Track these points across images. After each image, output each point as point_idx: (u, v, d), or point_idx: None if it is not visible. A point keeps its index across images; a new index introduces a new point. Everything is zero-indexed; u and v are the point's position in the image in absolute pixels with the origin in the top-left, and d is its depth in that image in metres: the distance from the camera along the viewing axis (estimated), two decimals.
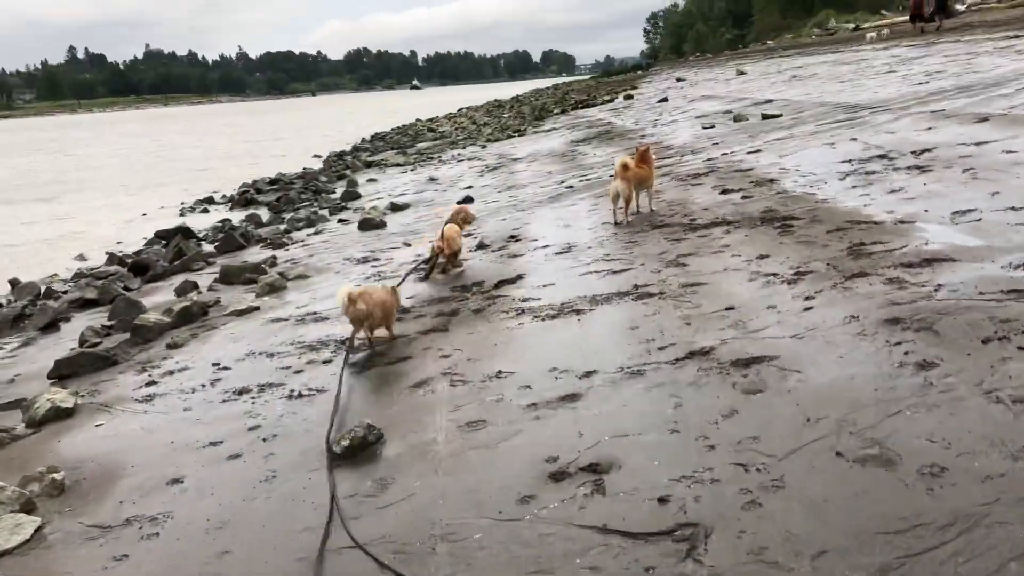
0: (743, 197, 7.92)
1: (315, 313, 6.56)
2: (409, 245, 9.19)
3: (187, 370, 5.59)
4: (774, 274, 5.25)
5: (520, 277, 6.57)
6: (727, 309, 4.75)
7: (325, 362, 5.22)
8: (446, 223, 7.42)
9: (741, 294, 4.99)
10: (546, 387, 4.11)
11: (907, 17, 42.18)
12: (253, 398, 4.76)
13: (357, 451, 3.75)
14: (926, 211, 6.15)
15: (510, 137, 23.18)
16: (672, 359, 4.16)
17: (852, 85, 17.69)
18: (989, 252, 4.89)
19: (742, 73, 30.72)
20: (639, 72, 79.89)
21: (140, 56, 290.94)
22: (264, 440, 4.10)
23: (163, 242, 11.69)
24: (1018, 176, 6.63)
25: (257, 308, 7.12)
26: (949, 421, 3.05)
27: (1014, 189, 6.23)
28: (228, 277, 8.60)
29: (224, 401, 4.80)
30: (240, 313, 7.02)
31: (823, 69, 24.71)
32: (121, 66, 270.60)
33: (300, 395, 4.67)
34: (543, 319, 5.29)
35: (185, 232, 11.88)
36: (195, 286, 8.59)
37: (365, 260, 8.63)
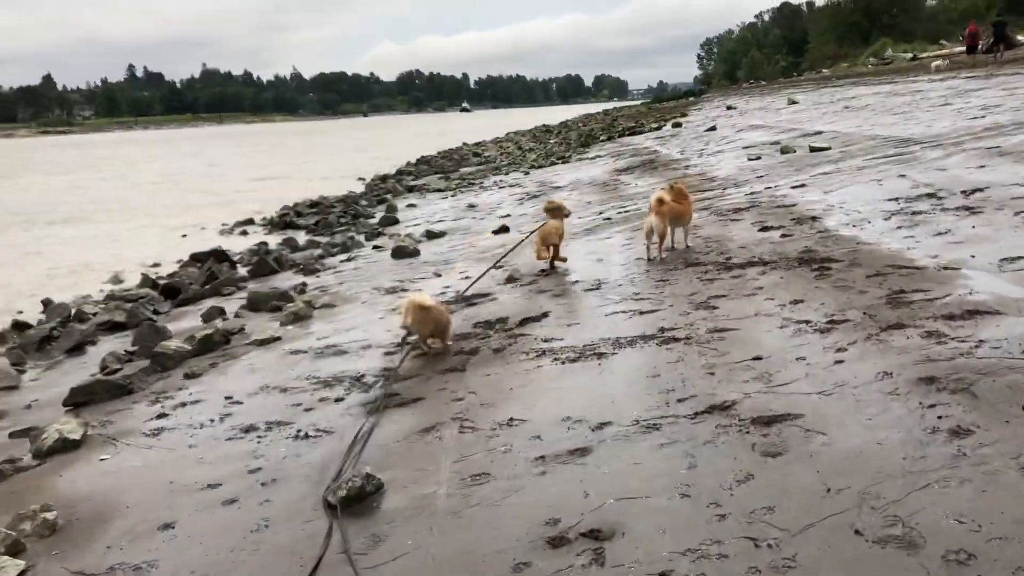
0: (782, 235, 7.66)
1: (335, 346, 6.44)
2: (439, 275, 9.07)
3: (199, 403, 5.50)
4: (807, 321, 5.00)
5: (545, 315, 6.38)
6: (754, 359, 4.51)
7: (337, 400, 5.08)
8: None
9: (770, 343, 4.75)
10: (557, 438, 3.92)
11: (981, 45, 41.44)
12: (259, 437, 4.63)
13: (354, 502, 3.58)
14: (973, 256, 5.85)
15: (554, 164, 23.07)
16: (691, 413, 3.94)
17: (905, 118, 17.27)
18: None
19: (794, 102, 30.28)
20: (690, 99, 79.50)
21: (197, 75, 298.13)
22: (263, 484, 3.96)
23: (198, 264, 11.74)
24: None
25: (279, 338, 7.03)
26: (981, 499, 2.79)
27: None
28: (255, 304, 8.56)
29: (230, 439, 4.68)
30: (261, 343, 6.94)
31: (876, 100, 24.22)
32: (178, 84, 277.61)
33: (307, 436, 4.54)
34: (563, 362, 5.09)
35: (219, 255, 11.92)
36: (222, 312, 8.56)
37: (393, 290, 8.52)
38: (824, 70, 77.09)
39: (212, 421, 5.05)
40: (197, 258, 12.18)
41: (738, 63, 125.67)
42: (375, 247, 12.34)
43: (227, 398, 5.47)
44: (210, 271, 10.68)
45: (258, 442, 4.56)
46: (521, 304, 6.89)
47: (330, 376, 5.61)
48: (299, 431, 4.62)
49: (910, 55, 62.17)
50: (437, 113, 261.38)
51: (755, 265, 6.73)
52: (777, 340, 4.77)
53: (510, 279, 8.00)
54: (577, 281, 7.42)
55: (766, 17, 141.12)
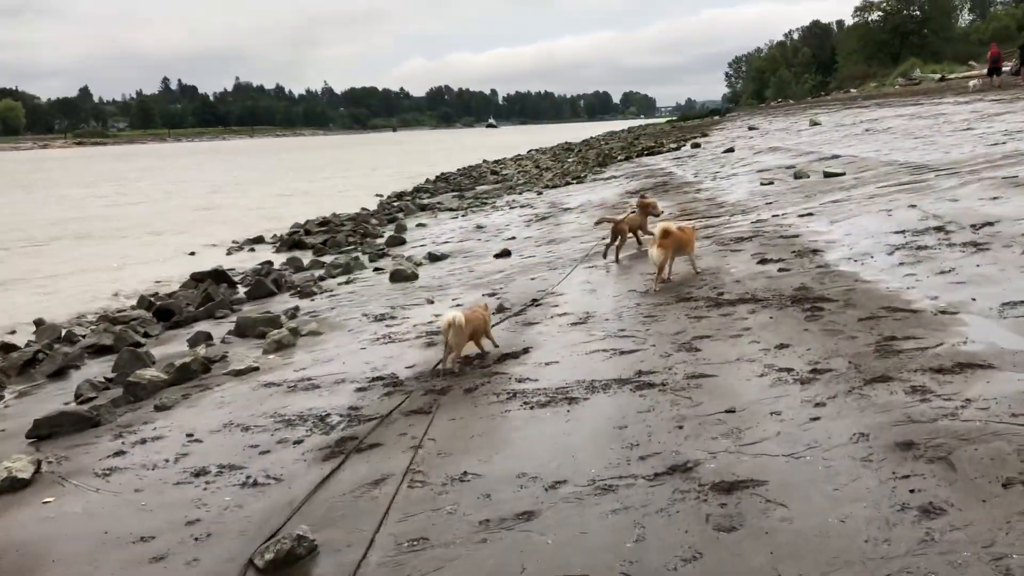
0: (780, 270, 7.37)
1: (310, 380, 6.24)
2: (432, 303, 8.86)
3: (160, 439, 5.31)
4: (788, 369, 4.72)
5: (526, 351, 6.15)
6: (727, 411, 4.25)
7: (296, 443, 4.87)
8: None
9: (746, 393, 4.48)
10: (507, 498, 3.68)
11: (1010, 67, 40.79)
12: (208, 482, 4.43)
13: (281, 566, 3.37)
14: (973, 299, 5.54)
15: (568, 184, 22.85)
16: (651, 474, 3.68)
17: (924, 142, 16.87)
18: None
19: (816, 124, 29.85)
20: (715, 117, 79.03)
21: (229, 88, 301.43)
22: (196, 540, 3.75)
23: (198, 284, 11.62)
24: None
25: (256, 369, 6.85)
26: None
27: None
28: (243, 329, 8.40)
29: (178, 483, 4.48)
30: (238, 373, 6.76)
31: (899, 123, 23.79)
32: (211, 98, 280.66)
33: (255, 483, 4.33)
34: (532, 407, 4.86)
35: (218, 276, 11.79)
36: (208, 337, 8.40)
37: (382, 318, 8.32)
38: (852, 90, 76.37)
39: (167, 461, 4.86)
40: (197, 278, 12.06)
41: (766, 82, 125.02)
42: (376, 269, 12.16)
43: (188, 435, 5.29)
44: (206, 292, 10.55)
45: (205, 488, 4.35)
46: (505, 337, 6.65)
47: (296, 414, 5.41)
48: (249, 477, 4.41)
49: (938, 76, 61.38)
50: (465, 128, 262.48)
51: (747, 302, 6.46)
52: (754, 390, 4.51)
53: (500, 309, 7.77)
54: (565, 313, 7.19)
55: (795, 36, 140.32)
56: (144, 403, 6.37)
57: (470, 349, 6.20)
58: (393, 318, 8.28)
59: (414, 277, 10.71)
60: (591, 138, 64.26)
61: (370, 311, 8.81)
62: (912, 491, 3.14)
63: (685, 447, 3.91)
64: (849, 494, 3.21)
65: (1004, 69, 40.80)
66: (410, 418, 5.03)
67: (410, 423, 4.93)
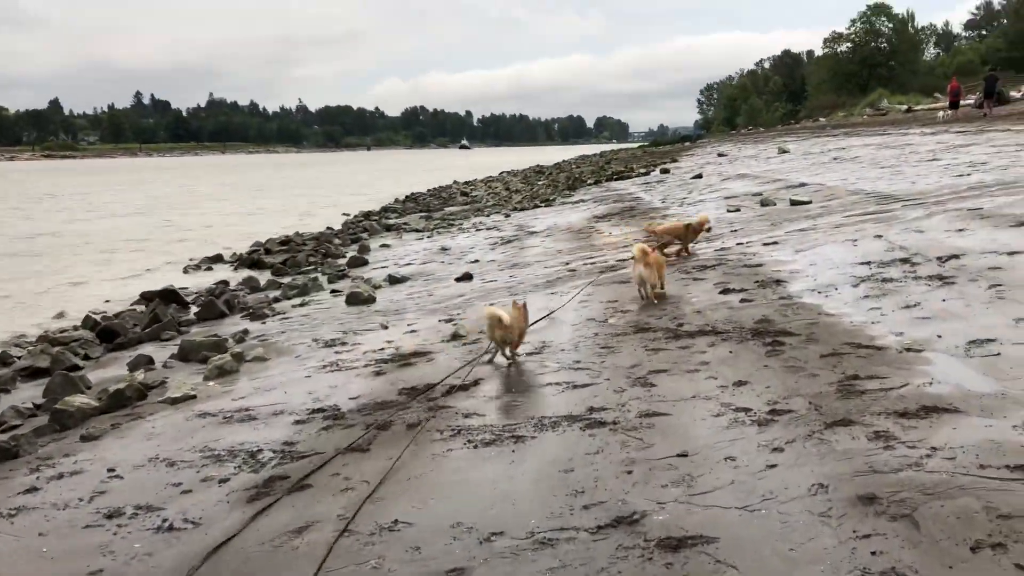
0: (742, 300, 7.16)
1: (247, 410, 5.89)
2: (386, 328, 8.55)
3: (79, 474, 4.94)
4: (746, 409, 4.47)
5: (477, 383, 5.85)
6: (679, 455, 3.99)
7: (221, 481, 4.52)
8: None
9: (701, 435, 4.22)
10: (436, 552, 3.37)
11: (972, 100, 41.47)
12: (119, 525, 4.08)
13: None
14: (939, 336, 5.34)
15: (537, 207, 22.66)
16: (594, 526, 3.40)
17: (891, 172, 16.89)
18: (1002, 403, 4.08)
19: (784, 151, 30.00)
20: (686, 143, 79.64)
21: (203, 104, 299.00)
22: None
23: (147, 304, 11.20)
24: None
25: (193, 397, 6.49)
26: None
27: None
28: (186, 353, 8.03)
29: (87, 526, 4.12)
30: (174, 402, 6.39)
31: (866, 152, 23.92)
32: (184, 113, 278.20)
33: (171, 527, 3.98)
34: (476, 446, 4.56)
35: (168, 295, 11.39)
36: (149, 361, 8.02)
37: (332, 343, 7.99)
38: (821, 118, 77.43)
39: (80, 500, 4.49)
40: (147, 297, 11.65)
41: (737, 109, 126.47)
42: (333, 291, 11.82)
43: (109, 470, 4.92)
44: (154, 313, 10.15)
45: (116, 532, 4.00)
46: (456, 366, 6.36)
47: (226, 449, 5.06)
48: (165, 520, 4.07)
49: (905, 107, 62.38)
50: (439, 149, 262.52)
51: (706, 334, 6.22)
52: (710, 432, 4.25)
53: (455, 336, 7.48)
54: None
55: (767, 64, 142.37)
56: (70, 432, 5.98)
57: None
58: (344, 344, 7.96)
59: (371, 300, 10.40)
60: (563, 161, 64.43)
61: (321, 336, 8.47)
62: (873, 553, 2.88)
63: (633, 495, 3.63)
64: (806, 555, 2.94)
65: (967, 102, 41.43)
66: (346, 456, 4.70)
67: (345, 462, 4.61)
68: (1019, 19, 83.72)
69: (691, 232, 10.05)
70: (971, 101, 41.54)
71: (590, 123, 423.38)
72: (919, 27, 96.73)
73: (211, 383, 6.98)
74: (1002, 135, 22.10)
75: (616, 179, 29.76)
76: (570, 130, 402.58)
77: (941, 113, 38.88)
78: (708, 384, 5.04)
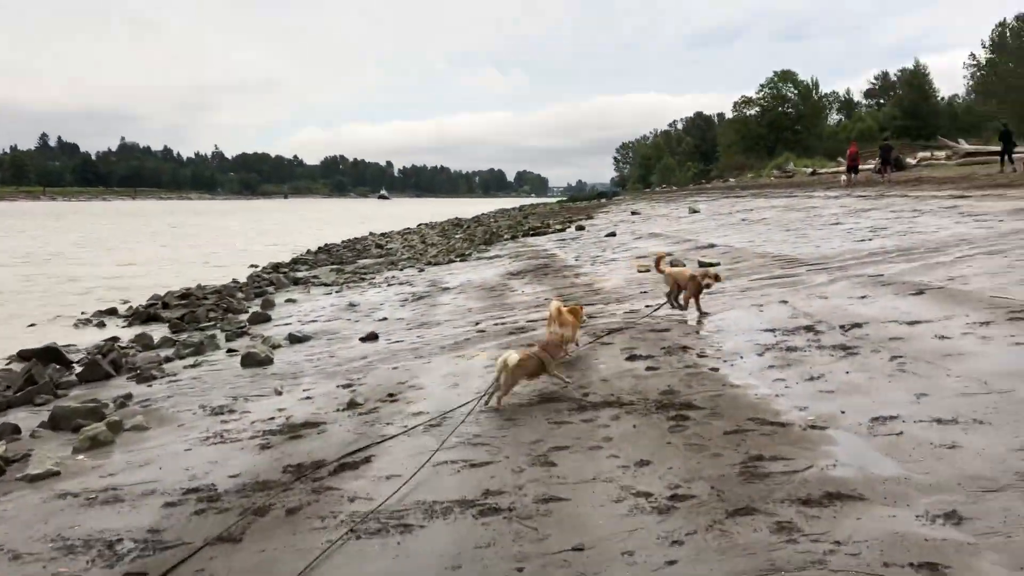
0: (648, 368, 6.99)
1: (115, 489, 5.39)
2: (280, 393, 8.10)
3: None
4: (647, 494, 4.24)
5: (368, 460, 5.49)
6: (574, 549, 3.71)
7: None
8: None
9: (600, 524, 3.96)
10: None
11: (872, 166, 43.29)
12: None
13: None
14: (843, 412, 5.24)
15: (451, 262, 22.43)
16: None
17: (796, 235, 17.27)
18: (905, 489, 3.95)
19: (695, 211, 30.62)
20: (602, 200, 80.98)
21: (114, 148, 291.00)
22: None
23: (25, 363, 10.42)
24: (948, 372, 5.78)
25: (57, 473, 5.92)
26: None
27: (941, 392, 5.36)
28: (57, 421, 7.41)
29: None
30: (34, 479, 5.82)
31: (773, 214, 24.53)
32: (93, 156, 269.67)
33: None
34: (360, 536, 4.20)
35: (48, 354, 10.63)
36: (15, 430, 7.37)
37: (220, 411, 7.49)
38: (731, 179, 79.89)
39: None
40: (24, 356, 10.86)
41: (652, 168, 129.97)
42: (230, 351, 11.25)
43: None
44: (30, 374, 9.43)
45: None
46: (349, 440, 5.99)
47: (82, 538, 4.57)
48: None
49: (810, 170, 64.90)
50: (359, 199, 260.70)
51: (611, 406, 6.01)
52: (609, 521, 3.99)
53: (352, 404, 7.10)
54: (420, 413, 6.58)
55: (680, 125, 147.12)
56: None
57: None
58: (232, 412, 7.47)
59: (268, 362, 9.90)
60: (482, 215, 64.66)
61: (209, 402, 7.96)
62: None
63: None
64: None
65: (866, 167, 43.29)
66: (215, 548, 4.27)
67: (213, 555, 4.18)
68: (911, 90, 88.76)
69: (693, 283, 9.16)
70: (871, 166, 43.40)
71: (511, 176, 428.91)
72: (823, 94, 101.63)
73: (80, 456, 6.42)
74: (900, 200, 22.95)
75: (533, 235, 29.83)
76: (491, 183, 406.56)
77: (843, 177, 40.48)
78: (610, 463, 4.80)
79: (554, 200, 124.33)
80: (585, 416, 5.85)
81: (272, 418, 6.98)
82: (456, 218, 60.41)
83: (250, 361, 9.79)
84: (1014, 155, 35.23)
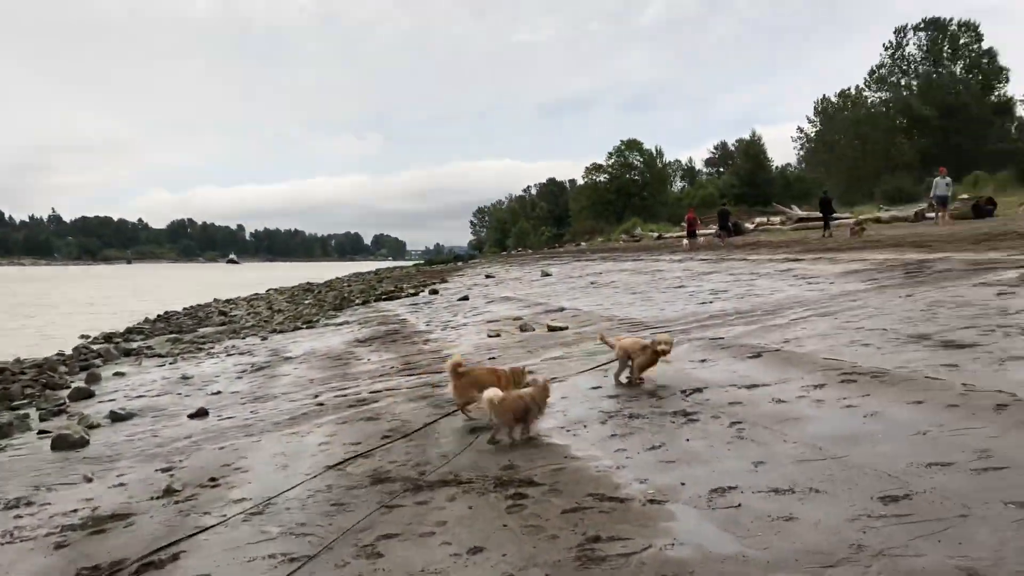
0: (490, 441, 6.71)
1: None
2: (90, 480, 7.31)
3: None
4: None
5: (176, 558, 4.91)
6: None
7: None
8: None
9: None
10: None
11: (713, 230, 45.48)
12: None
13: None
14: (683, 484, 5.11)
15: (298, 329, 21.61)
16: None
17: (642, 298, 17.61)
18: (744, 568, 3.80)
19: (547, 275, 31.00)
20: (459, 263, 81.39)
21: None
22: None
23: None
24: (784, 438, 5.78)
25: None
26: None
27: (779, 459, 5.33)
28: None
29: None
30: None
31: (621, 277, 25.09)
32: None
33: None
34: None
35: None
36: None
37: (15, 504, 6.65)
38: (583, 243, 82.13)
39: None
40: None
41: (507, 231, 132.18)
42: (41, 432, 10.19)
43: None
44: None
45: None
46: (159, 534, 5.38)
47: None
48: None
49: (656, 234, 67.71)
50: (208, 264, 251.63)
51: (448, 484, 5.67)
52: None
53: (168, 491, 6.44)
54: (244, 499, 6.02)
55: (534, 190, 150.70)
56: None
57: None
58: (30, 504, 6.65)
59: (82, 444, 8.99)
60: (335, 279, 63.42)
61: (5, 494, 7.07)
62: None
63: None
64: None
65: (707, 232, 45.52)
66: None
67: None
68: (748, 159, 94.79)
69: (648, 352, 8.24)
70: (711, 232, 45.68)
71: (368, 240, 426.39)
72: (667, 162, 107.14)
73: None
74: (739, 263, 23.97)
75: (385, 299, 29.31)
76: (347, 246, 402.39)
77: (685, 242, 42.34)
78: (442, 552, 4.44)
79: (411, 263, 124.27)
80: (420, 498, 5.48)
81: (75, 510, 6.26)
82: (308, 283, 58.95)
83: (62, 444, 8.87)
84: (831, 222, 38.06)
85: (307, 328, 21.67)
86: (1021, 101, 77.28)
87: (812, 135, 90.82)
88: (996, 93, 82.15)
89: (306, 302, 33.80)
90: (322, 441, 7.69)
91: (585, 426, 6.90)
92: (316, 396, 10.47)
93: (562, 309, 17.29)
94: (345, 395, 10.23)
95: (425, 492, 5.59)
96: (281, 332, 21.24)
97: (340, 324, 21.70)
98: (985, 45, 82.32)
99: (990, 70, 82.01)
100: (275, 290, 50.83)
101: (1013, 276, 12.45)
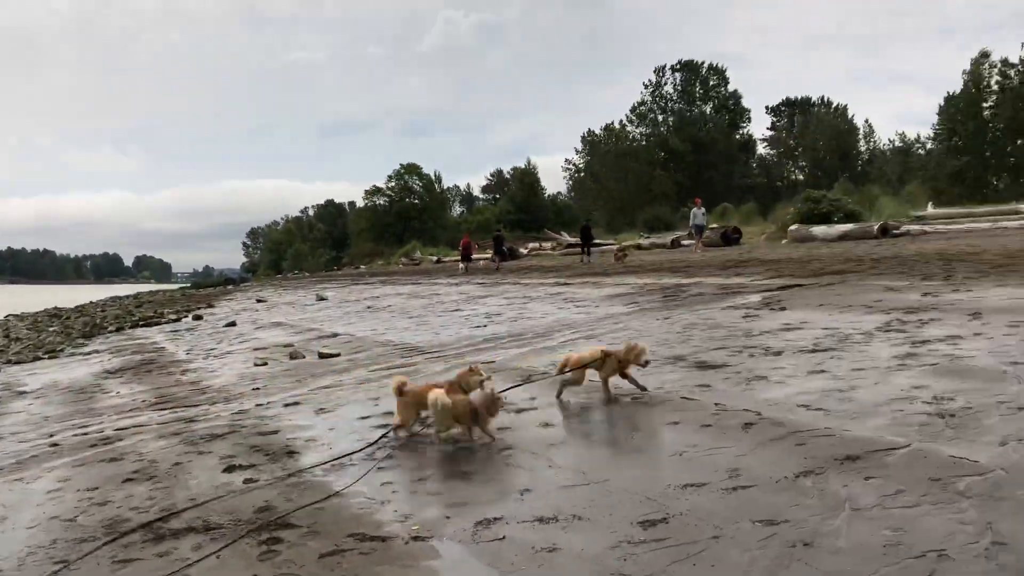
0: (246, 480, 6.20)
1: None
2: None
3: None
4: None
5: None
6: None
7: None
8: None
9: None
10: None
11: (490, 255, 46.41)
12: None
13: None
14: (447, 518, 4.91)
15: (39, 359, 19.51)
16: None
17: (419, 323, 17.46)
18: None
19: (322, 299, 30.17)
20: (229, 287, 77.75)
21: None
22: None
23: None
24: (550, 463, 5.76)
25: None
26: None
27: (544, 485, 5.27)
28: None
29: None
30: None
31: (398, 301, 24.87)
32: None
33: None
34: None
35: None
36: None
37: None
38: (362, 266, 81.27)
39: None
40: None
41: (283, 253, 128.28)
42: None
43: None
44: None
45: None
46: None
47: None
48: None
49: (436, 257, 68.28)
50: None
51: (196, 532, 5.13)
52: None
53: None
54: None
55: (311, 212, 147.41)
56: None
57: None
58: None
59: None
60: (88, 304, 58.40)
61: None
62: None
63: None
64: None
65: (485, 256, 46.51)
66: None
67: None
68: (522, 187, 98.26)
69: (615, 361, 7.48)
70: (489, 255, 46.68)
71: (128, 261, 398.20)
72: (446, 187, 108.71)
73: None
74: (513, 287, 24.48)
75: (143, 325, 27.23)
76: (105, 268, 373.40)
77: (461, 266, 43.00)
78: None
79: (177, 287, 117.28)
80: (161, 549, 4.91)
81: None
82: (56, 308, 53.82)
83: None
84: (592, 248, 40.29)
85: (49, 358, 19.63)
86: (760, 140, 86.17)
87: (581, 165, 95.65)
88: (740, 132, 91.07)
89: (51, 329, 30.72)
90: (52, 488, 6.80)
91: (351, 459, 6.56)
92: (51, 435, 9.35)
93: (336, 335, 16.78)
94: (86, 433, 9.21)
95: (168, 541, 5.02)
96: (18, 363, 19.07)
97: (88, 353, 19.84)
98: (731, 88, 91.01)
99: (735, 111, 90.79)
100: (14, 316, 45.89)
101: (756, 299, 13.49)
